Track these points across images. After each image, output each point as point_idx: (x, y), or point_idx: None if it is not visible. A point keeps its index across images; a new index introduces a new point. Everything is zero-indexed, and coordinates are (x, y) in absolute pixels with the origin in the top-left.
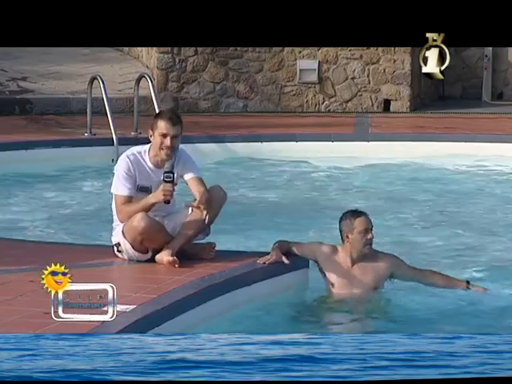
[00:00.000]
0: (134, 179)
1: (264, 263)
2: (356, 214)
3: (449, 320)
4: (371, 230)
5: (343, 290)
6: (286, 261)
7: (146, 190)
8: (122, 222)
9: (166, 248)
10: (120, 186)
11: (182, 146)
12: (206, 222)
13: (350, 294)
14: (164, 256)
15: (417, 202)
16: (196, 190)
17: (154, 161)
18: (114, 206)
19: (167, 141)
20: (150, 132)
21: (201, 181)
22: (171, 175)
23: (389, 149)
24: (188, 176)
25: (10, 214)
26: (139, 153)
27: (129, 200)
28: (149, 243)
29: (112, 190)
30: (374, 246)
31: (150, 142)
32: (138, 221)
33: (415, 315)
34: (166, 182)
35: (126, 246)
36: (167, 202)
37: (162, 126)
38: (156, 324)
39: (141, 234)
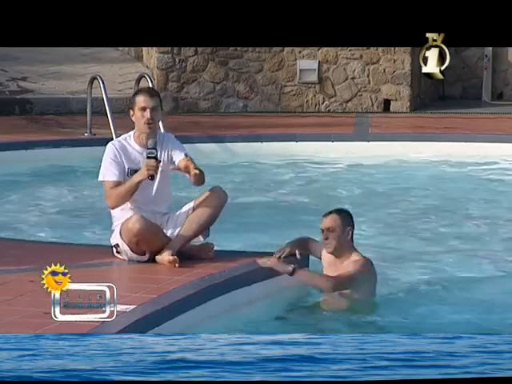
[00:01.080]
0: (121, 165)
1: (279, 257)
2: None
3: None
4: (328, 230)
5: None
6: (297, 255)
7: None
8: (111, 208)
9: (166, 248)
10: (107, 172)
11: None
12: (194, 180)
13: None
14: (165, 256)
15: (416, 202)
16: (187, 166)
17: (140, 141)
18: (109, 208)
19: (147, 113)
20: (131, 112)
21: (191, 159)
22: (154, 151)
23: (389, 149)
24: (179, 157)
25: (10, 214)
26: (124, 139)
27: (117, 185)
28: (145, 245)
29: (100, 178)
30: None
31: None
32: (133, 222)
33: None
34: (149, 158)
35: (124, 246)
36: (151, 177)
37: (141, 100)
38: (156, 324)
39: (136, 236)
